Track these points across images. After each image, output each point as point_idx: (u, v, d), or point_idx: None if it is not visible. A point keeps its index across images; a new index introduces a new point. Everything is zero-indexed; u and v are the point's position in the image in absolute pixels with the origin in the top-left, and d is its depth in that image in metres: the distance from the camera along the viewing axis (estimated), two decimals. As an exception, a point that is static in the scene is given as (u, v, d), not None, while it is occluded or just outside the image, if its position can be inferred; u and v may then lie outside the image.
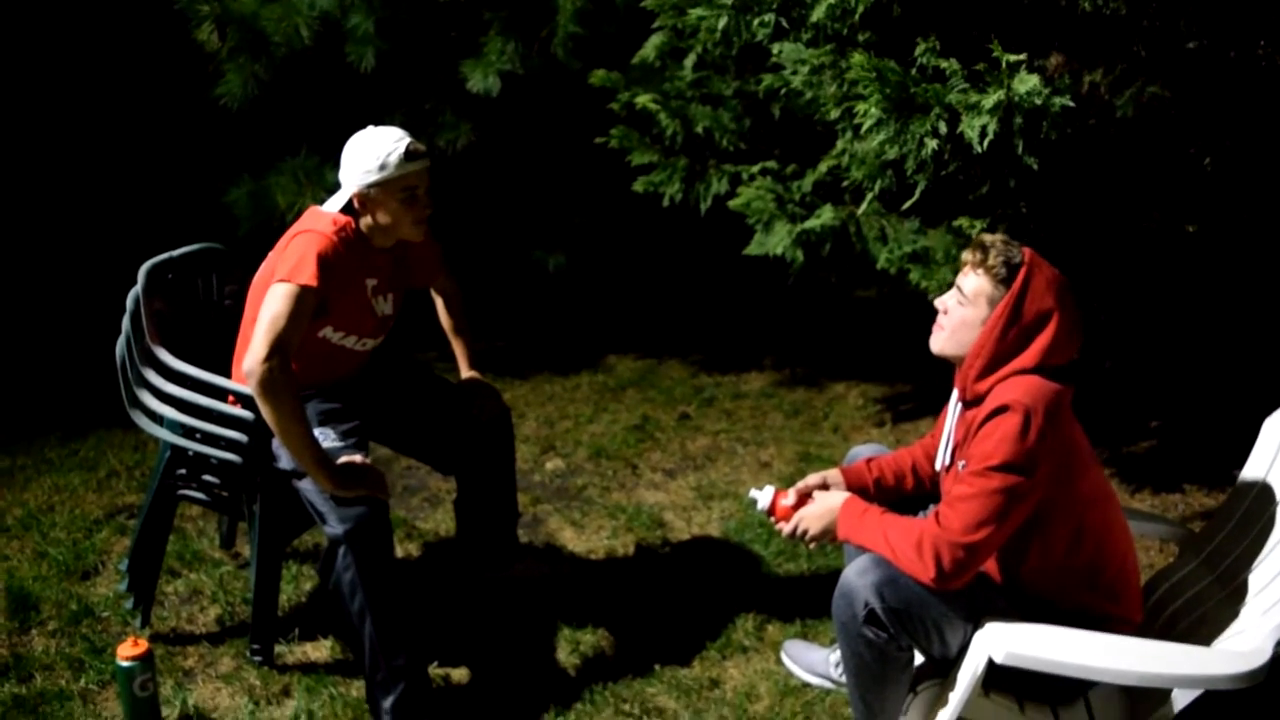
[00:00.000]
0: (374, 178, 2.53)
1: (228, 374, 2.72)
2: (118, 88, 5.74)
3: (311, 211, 2.65)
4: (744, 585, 3.16)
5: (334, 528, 2.44)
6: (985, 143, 2.48)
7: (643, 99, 3.78)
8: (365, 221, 2.61)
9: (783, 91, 3.25)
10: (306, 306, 2.44)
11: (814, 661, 2.69)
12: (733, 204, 3.67)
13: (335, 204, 2.61)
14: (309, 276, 2.44)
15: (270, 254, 2.64)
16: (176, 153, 5.64)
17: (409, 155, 2.54)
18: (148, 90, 5.64)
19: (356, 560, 2.44)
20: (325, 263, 2.47)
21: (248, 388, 2.51)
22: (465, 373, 3.03)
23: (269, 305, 2.43)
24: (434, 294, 3.08)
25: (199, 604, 3.05)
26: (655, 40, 3.67)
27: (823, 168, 3.28)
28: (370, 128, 2.61)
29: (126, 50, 5.62)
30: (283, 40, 4.46)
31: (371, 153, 2.53)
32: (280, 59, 4.51)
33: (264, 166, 4.69)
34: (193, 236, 3.07)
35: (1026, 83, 2.41)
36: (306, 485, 2.51)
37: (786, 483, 2.66)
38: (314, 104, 4.73)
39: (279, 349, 2.38)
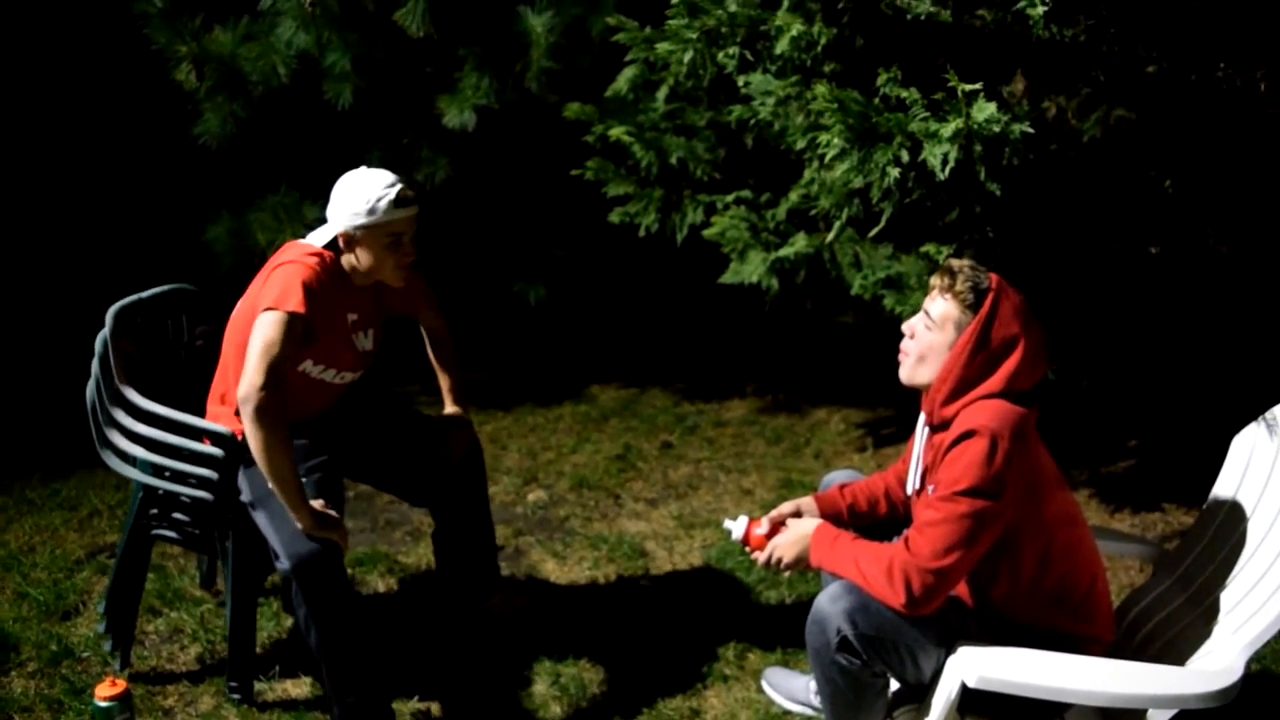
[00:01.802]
0: (361, 220, 2.53)
1: (199, 414, 2.72)
2: (97, 129, 5.76)
3: (291, 244, 2.66)
4: (725, 614, 3.16)
5: (283, 564, 2.44)
6: (947, 170, 2.51)
7: (616, 131, 3.82)
8: (348, 260, 2.62)
9: (752, 122, 3.28)
10: (296, 333, 2.45)
11: (794, 689, 2.70)
12: (708, 233, 3.70)
13: (319, 239, 2.62)
14: (296, 303, 2.44)
15: (251, 285, 2.64)
16: (157, 192, 5.66)
17: (399, 202, 2.54)
18: (127, 130, 5.65)
19: (306, 596, 2.42)
20: (310, 291, 2.48)
21: (220, 426, 2.53)
22: (449, 408, 3.03)
23: (260, 333, 2.43)
24: (422, 329, 3.08)
25: (179, 643, 3.04)
26: (628, 73, 3.71)
27: (794, 196, 3.31)
28: (364, 169, 2.61)
29: (105, 91, 5.64)
30: (260, 79, 4.49)
31: (362, 195, 2.53)
32: (258, 97, 4.53)
33: (244, 204, 4.71)
34: (173, 274, 3.08)
35: (984, 110, 2.45)
36: (261, 519, 2.50)
37: (768, 510, 2.68)
38: (292, 141, 4.75)
39: (273, 375, 2.39)
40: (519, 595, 3.24)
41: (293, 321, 2.44)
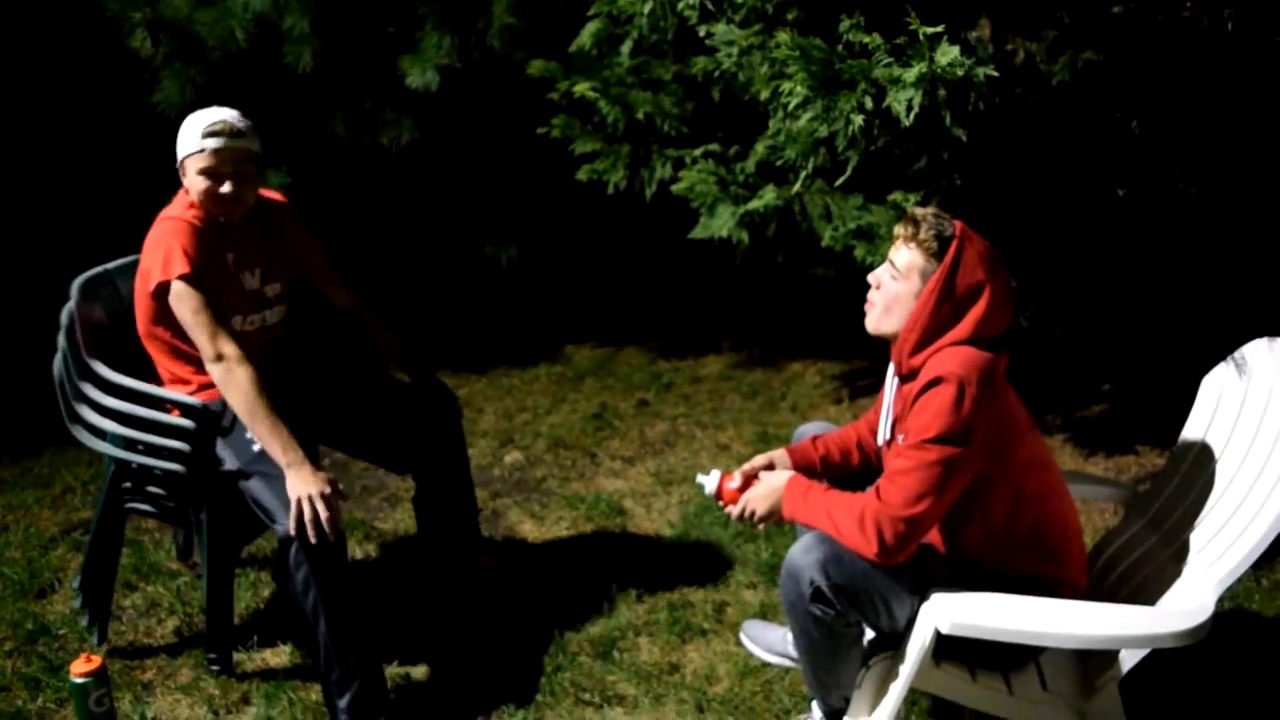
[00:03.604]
0: (181, 149, 2.62)
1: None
2: (54, 99, 5.65)
3: (170, 204, 2.70)
4: (703, 568, 3.17)
5: (283, 524, 2.43)
6: (911, 116, 2.49)
7: (581, 87, 3.77)
8: (185, 191, 2.67)
9: (717, 74, 3.24)
10: (201, 289, 2.54)
11: (773, 640, 2.71)
12: (676, 189, 3.67)
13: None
14: (180, 265, 2.53)
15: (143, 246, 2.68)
16: (117, 161, 5.57)
17: (211, 133, 2.58)
18: (85, 100, 5.56)
19: (308, 556, 2.43)
20: (186, 247, 2.55)
21: (189, 397, 2.53)
22: (415, 374, 3.01)
23: (180, 311, 2.54)
24: (348, 316, 3.03)
25: (157, 616, 3.03)
26: (591, 28, 3.66)
27: (760, 148, 3.28)
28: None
29: (61, 61, 5.53)
30: (218, 44, 4.42)
31: (186, 126, 2.62)
32: (216, 63, 4.47)
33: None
34: (137, 244, 3.04)
35: (948, 54, 2.42)
36: (254, 485, 2.50)
37: (745, 464, 2.67)
38: (253, 106, 4.65)
39: (219, 338, 2.51)
40: (503, 555, 3.24)
41: (190, 281, 2.53)
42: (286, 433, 2.48)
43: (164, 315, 2.60)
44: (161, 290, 2.55)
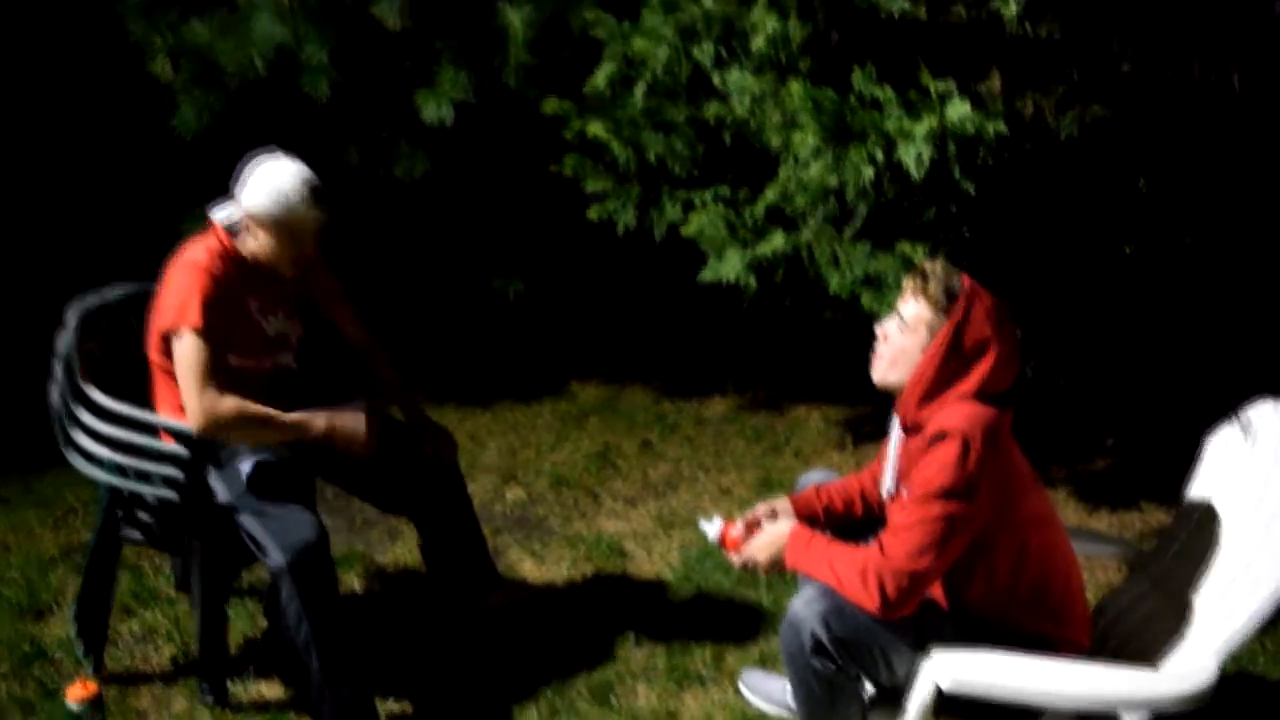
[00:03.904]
0: (269, 210, 2.57)
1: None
2: (71, 120, 5.70)
3: (191, 242, 2.69)
4: (703, 615, 3.16)
5: (275, 559, 2.43)
6: (922, 170, 2.50)
7: (594, 127, 3.79)
8: (247, 243, 2.64)
9: (729, 119, 3.27)
10: (208, 343, 2.52)
11: (772, 691, 2.69)
12: (685, 231, 3.67)
13: (222, 215, 2.65)
14: (194, 318, 2.51)
15: (163, 275, 2.66)
16: (131, 184, 5.60)
17: (311, 200, 2.57)
18: (102, 122, 5.60)
19: (300, 591, 2.42)
20: (205, 299, 2.53)
21: (184, 424, 2.56)
22: (414, 418, 3.01)
23: (180, 361, 2.53)
24: (348, 340, 3.04)
25: (153, 643, 3.02)
26: (606, 69, 3.68)
27: (770, 194, 3.29)
28: (282, 157, 2.63)
29: (81, 82, 5.58)
30: (237, 71, 4.45)
31: (275, 184, 2.56)
32: (235, 90, 4.50)
33: (220, 196, 4.66)
34: (149, 267, 3.05)
35: (958, 110, 2.44)
36: (246, 520, 2.50)
37: (747, 509, 2.66)
38: (269, 134, 4.67)
39: (205, 394, 2.50)
40: (515, 591, 3.22)
41: (200, 334, 2.51)
42: (297, 414, 2.54)
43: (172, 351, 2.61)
44: (171, 334, 2.56)
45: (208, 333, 2.52)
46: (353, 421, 2.59)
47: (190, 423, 2.51)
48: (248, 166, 2.63)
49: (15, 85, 5.68)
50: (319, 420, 2.58)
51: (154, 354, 2.67)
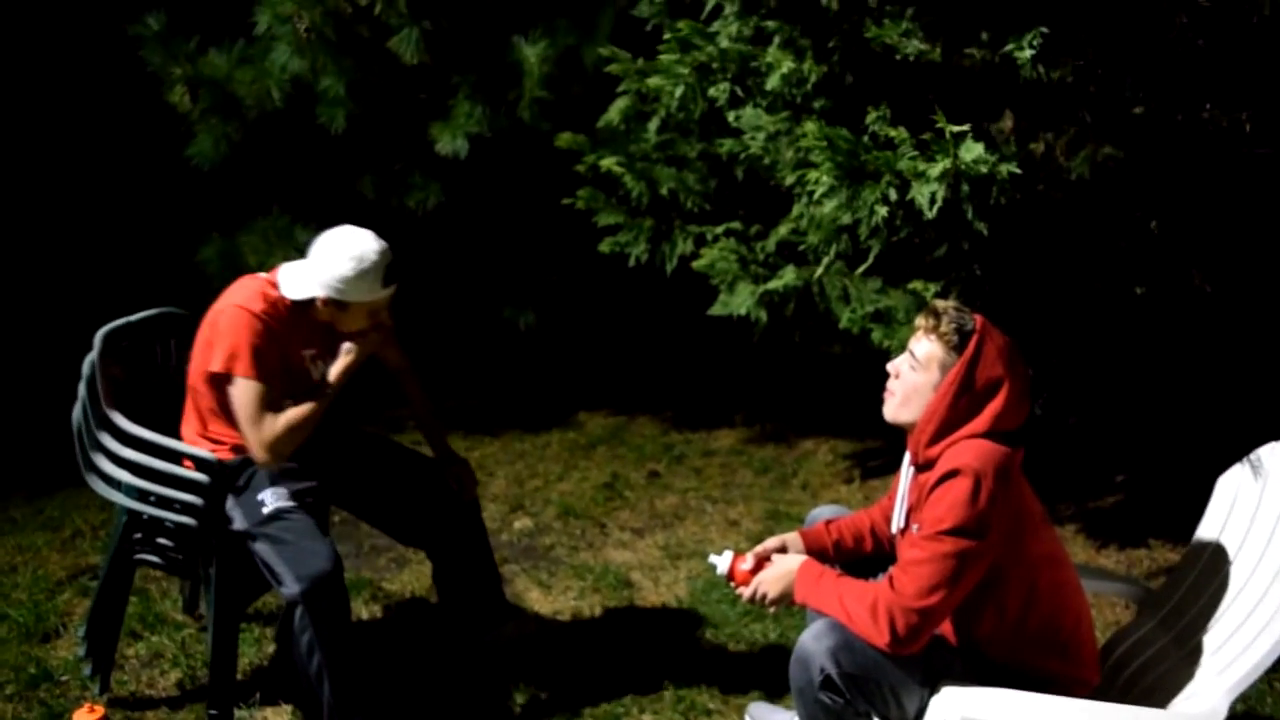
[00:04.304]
0: (345, 294, 2.59)
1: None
2: (91, 149, 5.76)
3: (246, 279, 2.70)
4: (709, 647, 3.15)
5: (290, 588, 2.44)
6: (935, 209, 2.53)
7: (608, 161, 3.83)
8: (321, 313, 2.65)
9: (743, 156, 3.30)
10: (259, 380, 2.56)
11: (777, 724, 2.68)
12: (697, 265, 3.71)
13: (294, 293, 2.63)
14: (245, 368, 2.55)
15: (208, 316, 2.66)
16: (148, 212, 5.66)
17: (385, 282, 2.60)
18: (120, 150, 5.66)
19: (314, 621, 2.43)
20: (256, 350, 2.56)
21: (205, 451, 2.56)
22: (438, 448, 3.03)
23: (234, 402, 2.57)
24: (392, 372, 3.06)
25: (160, 667, 3.02)
26: (620, 104, 3.73)
27: (783, 230, 3.33)
28: (352, 233, 2.62)
29: (99, 111, 5.65)
30: (254, 102, 4.51)
31: (348, 267, 2.57)
32: (251, 120, 4.56)
33: (235, 225, 4.72)
34: (164, 295, 3.08)
35: (972, 151, 2.46)
36: (262, 548, 2.51)
37: (755, 541, 2.67)
38: (285, 165, 4.77)
39: (260, 428, 2.56)
40: (528, 622, 3.22)
41: (251, 378, 2.56)
42: (320, 387, 2.63)
43: (217, 386, 2.64)
44: (221, 377, 2.59)
45: (260, 375, 2.56)
46: (346, 348, 2.66)
47: (255, 458, 2.58)
48: (324, 240, 2.63)
49: (35, 115, 5.75)
50: (333, 376, 2.66)
51: (196, 381, 2.68)
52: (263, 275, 2.71)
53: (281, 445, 2.57)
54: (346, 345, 2.67)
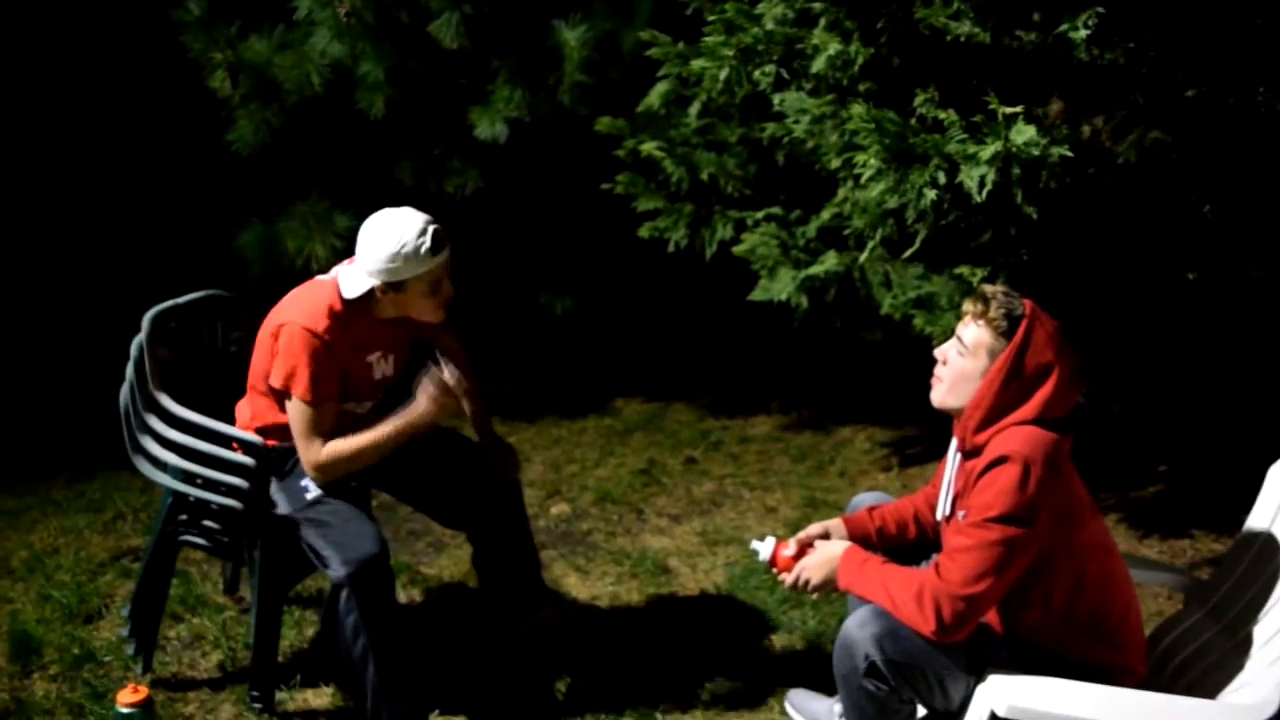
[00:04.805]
0: (399, 272, 2.51)
1: (231, 421, 2.73)
2: (132, 134, 5.81)
3: (312, 286, 2.66)
4: (748, 633, 3.14)
5: (336, 571, 2.45)
6: (984, 193, 2.49)
7: (648, 146, 3.82)
8: (385, 309, 2.61)
9: (785, 140, 3.27)
10: (313, 406, 2.54)
11: (818, 711, 2.67)
12: (737, 250, 3.69)
13: (350, 289, 2.58)
14: (302, 390, 2.53)
15: (277, 307, 2.63)
16: (188, 197, 5.70)
17: (435, 247, 2.51)
18: (161, 136, 5.70)
19: (359, 603, 2.44)
20: (315, 375, 2.52)
21: (252, 435, 2.58)
22: (483, 432, 3.02)
23: (290, 416, 2.57)
24: (442, 352, 3.05)
25: (201, 649, 3.05)
26: (660, 88, 3.71)
27: (826, 215, 3.30)
28: (391, 213, 2.56)
29: (140, 97, 5.69)
30: (294, 87, 4.52)
31: (396, 245, 2.49)
32: (291, 105, 4.57)
33: (274, 211, 4.73)
34: (204, 280, 3.09)
35: (1024, 134, 2.43)
36: (307, 531, 2.53)
37: (792, 528, 2.65)
38: (324, 149, 4.77)
39: (310, 449, 2.56)
40: (567, 607, 3.23)
41: (307, 403, 2.54)
42: (373, 433, 2.56)
43: (276, 395, 2.63)
44: (280, 391, 2.58)
45: (315, 400, 2.54)
46: (419, 409, 2.57)
47: (307, 468, 2.59)
48: (363, 229, 2.57)
49: (79, 103, 5.81)
50: (395, 427, 2.57)
51: (256, 380, 2.69)
52: (326, 279, 2.65)
53: (327, 470, 2.57)
54: (419, 406, 2.58)
